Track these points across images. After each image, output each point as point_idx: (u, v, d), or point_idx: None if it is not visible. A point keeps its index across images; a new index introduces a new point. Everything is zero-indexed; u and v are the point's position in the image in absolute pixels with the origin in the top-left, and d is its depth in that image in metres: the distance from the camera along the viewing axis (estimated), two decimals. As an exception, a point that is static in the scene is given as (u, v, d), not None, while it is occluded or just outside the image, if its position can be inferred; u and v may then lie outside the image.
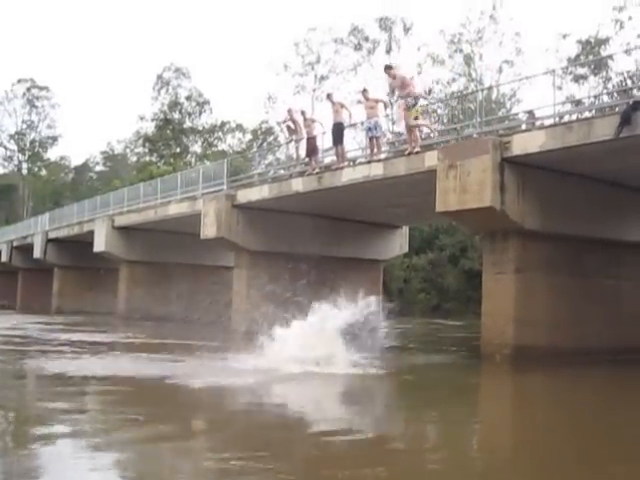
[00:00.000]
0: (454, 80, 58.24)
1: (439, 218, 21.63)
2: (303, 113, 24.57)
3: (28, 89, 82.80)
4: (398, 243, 30.41)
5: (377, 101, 21.68)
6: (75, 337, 21.85)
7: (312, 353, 13.82)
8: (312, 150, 23.12)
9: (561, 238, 17.77)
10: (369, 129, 20.94)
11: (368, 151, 21.95)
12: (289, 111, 25.08)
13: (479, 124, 19.20)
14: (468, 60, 57.45)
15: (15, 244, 49.28)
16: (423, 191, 19.03)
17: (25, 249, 47.02)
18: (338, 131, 21.76)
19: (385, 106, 22.12)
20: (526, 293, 17.35)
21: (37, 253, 43.36)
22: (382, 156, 21.35)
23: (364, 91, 21.66)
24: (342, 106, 22.16)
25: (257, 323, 15.52)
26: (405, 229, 30.73)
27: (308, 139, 23.17)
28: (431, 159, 18.18)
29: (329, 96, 23.01)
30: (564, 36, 51.95)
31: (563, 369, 15.57)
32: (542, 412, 10.54)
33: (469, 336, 24.47)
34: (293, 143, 25.00)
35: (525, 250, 17.44)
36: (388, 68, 20.35)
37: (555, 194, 17.60)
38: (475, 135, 18.66)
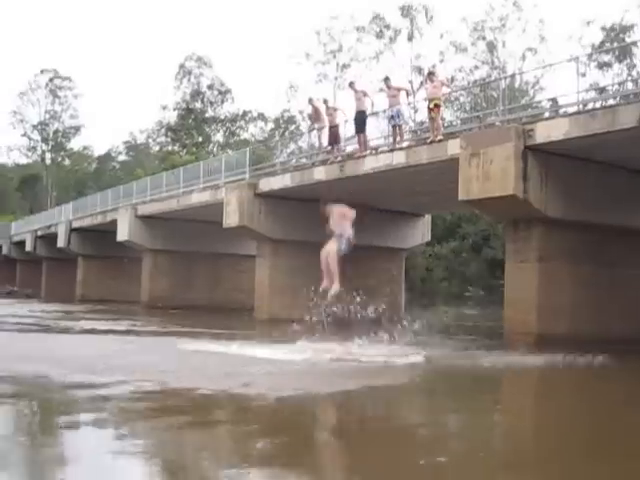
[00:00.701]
0: (477, 68, 58.22)
1: (462, 206, 21.60)
2: (325, 101, 24.62)
3: (51, 79, 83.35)
4: (421, 232, 30.39)
5: (399, 89, 21.70)
6: (101, 326, 21.96)
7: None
8: (334, 138, 23.17)
9: (584, 226, 17.72)
10: (391, 117, 21.00)
11: (391, 139, 21.97)
12: (311, 100, 25.12)
13: (502, 112, 19.17)
14: (491, 47, 57.26)
15: (39, 234, 49.67)
16: (446, 179, 19.03)
17: (49, 238, 47.38)
18: (360, 119, 21.80)
19: (407, 94, 22.15)
20: (549, 281, 17.33)
21: (61, 242, 43.68)
22: (405, 144, 21.37)
23: (386, 79, 21.69)
24: (364, 94, 22.18)
25: (280, 311, 15.74)
26: (428, 217, 30.70)
27: (330, 127, 23.22)
28: (454, 147, 18.17)
29: (351, 84, 23.03)
30: (588, 23, 51.71)
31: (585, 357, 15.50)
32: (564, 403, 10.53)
33: (492, 325, 24.41)
34: (315, 131, 25.06)
35: (548, 238, 17.41)
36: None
37: (578, 182, 17.54)
38: (498, 123, 18.64)
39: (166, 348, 14.99)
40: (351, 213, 16.29)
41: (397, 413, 9.24)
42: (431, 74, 21.21)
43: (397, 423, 8.41)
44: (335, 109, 23.87)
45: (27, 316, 26.00)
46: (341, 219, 16.21)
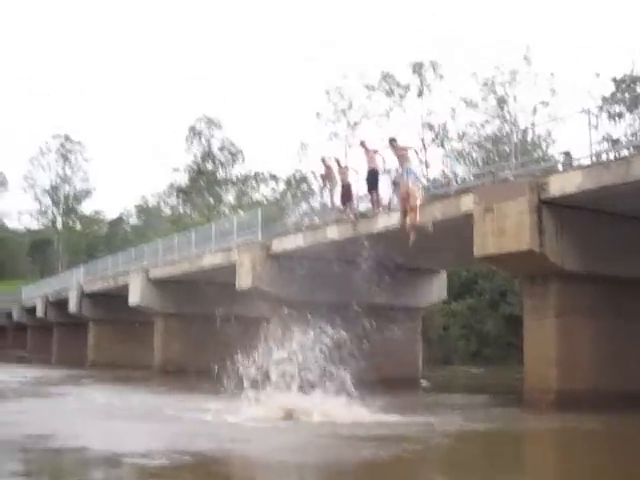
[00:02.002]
0: (488, 122, 58.49)
1: (478, 262, 21.58)
2: (337, 161, 24.79)
3: (62, 144, 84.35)
4: (437, 289, 30.25)
5: (406, 149, 21.84)
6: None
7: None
8: (347, 197, 23.30)
9: (601, 279, 17.63)
10: (394, 182, 21.34)
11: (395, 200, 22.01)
12: (323, 159, 25.33)
13: (515, 166, 19.26)
14: (502, 102, 57.67)
15: (50, 299, 49.79)
16: (461, 235, 19.05)
17: (60, 303, 47.46)
18: (373, 178, 21.95)
19: (416, 152, 22.30)
20: (568, 337, 17.20)
21: (72, 307, 43.74)
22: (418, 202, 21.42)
23: (392, 141, 21.76)
24: (376, 152, 22.36)
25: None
26: (443, 274, 30.59)
27: (343, 186, 23.38)
28: (467, 203, 18.23)
29: (362, 143, 23.22)
30: (598, 75, 52.07)
31: (607, 414, 15.32)
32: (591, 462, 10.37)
33: (511, 383, 24.22)
34: (327, 191, 25.19)
35: (565, 293, 17.33)
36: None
37: (594, 234, 17.52)
38: (511, 177, 18.71)
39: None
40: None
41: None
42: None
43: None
44: (347, 168, 24.05)
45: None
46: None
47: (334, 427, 12.45)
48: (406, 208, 18.94)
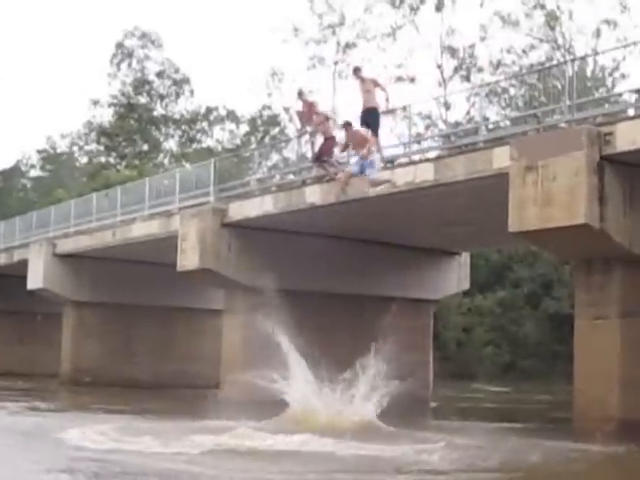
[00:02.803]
0: (533, 48, 58.43)
1: (513, 241, 21.56)
2: (311, 105, 24.81)
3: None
4: (455, 276, 30.37)
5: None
6: None
7: None
8: (329, 152, 23.24)
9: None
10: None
11: (415, 147, 22.04)
12: (301, 93, 25.29)
13: (568, 109, 19.26)
14: (552, 20, 57.57)
15: None
16: (490, 203, 19.06)
17: None
18: (371, 119, 21.85)
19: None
20: (636, 345, 17.29)
21: (-53, 291, 43.51)
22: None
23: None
24: (375, 84, 22.30)
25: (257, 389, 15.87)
26: (465, 257, 30.69)
27: (326, 138, 23.33)
28: (501, 158, 18.22)
29: (356, 71, 23.15)
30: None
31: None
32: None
33: (557, 406, 24.45)
34: (307, 137, 25.15)
35: (634, 285, 17.40)
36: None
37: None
38: (563, 124, 18.72)
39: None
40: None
41: None
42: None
43: None
44: (328, 117, 24.04)
45: None
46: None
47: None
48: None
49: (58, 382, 34.70)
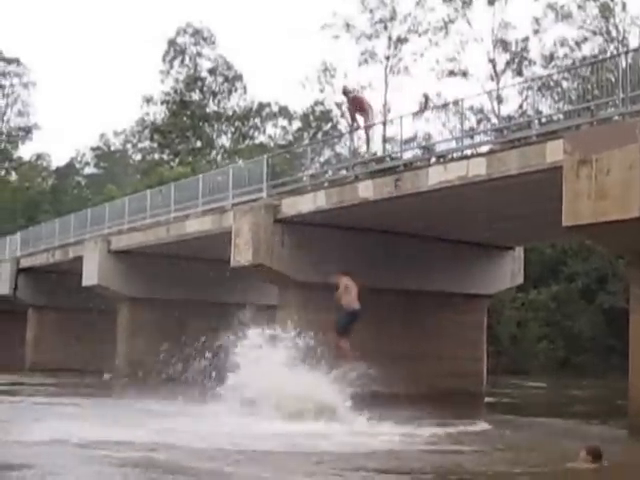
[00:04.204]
0: (586, 40, 58.06)
1: (567, 235, 21.45)
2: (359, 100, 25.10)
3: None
4: (509, 271, 30.26)
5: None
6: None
7: None
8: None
9: None
10: None
11: (467, 142, 22.03)
12: (346, 90, 25.43)
13: (622, 101, 19.12)
14: (606, 11, 57.16)
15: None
16: (543, 197, 18.98)
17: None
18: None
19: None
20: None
21: (4, 288, 43.87)
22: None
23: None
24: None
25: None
26: (519, 251, 30.58)
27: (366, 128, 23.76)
28: (554, 151, 18.14)
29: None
30: None
31: None
32: None
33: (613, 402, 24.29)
34: (360, 132, 25.23)
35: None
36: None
37: None
38: (617, 117, 18.60)
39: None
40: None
41: None
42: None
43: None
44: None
45: None
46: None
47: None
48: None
49: (112, 377, 34.87)
